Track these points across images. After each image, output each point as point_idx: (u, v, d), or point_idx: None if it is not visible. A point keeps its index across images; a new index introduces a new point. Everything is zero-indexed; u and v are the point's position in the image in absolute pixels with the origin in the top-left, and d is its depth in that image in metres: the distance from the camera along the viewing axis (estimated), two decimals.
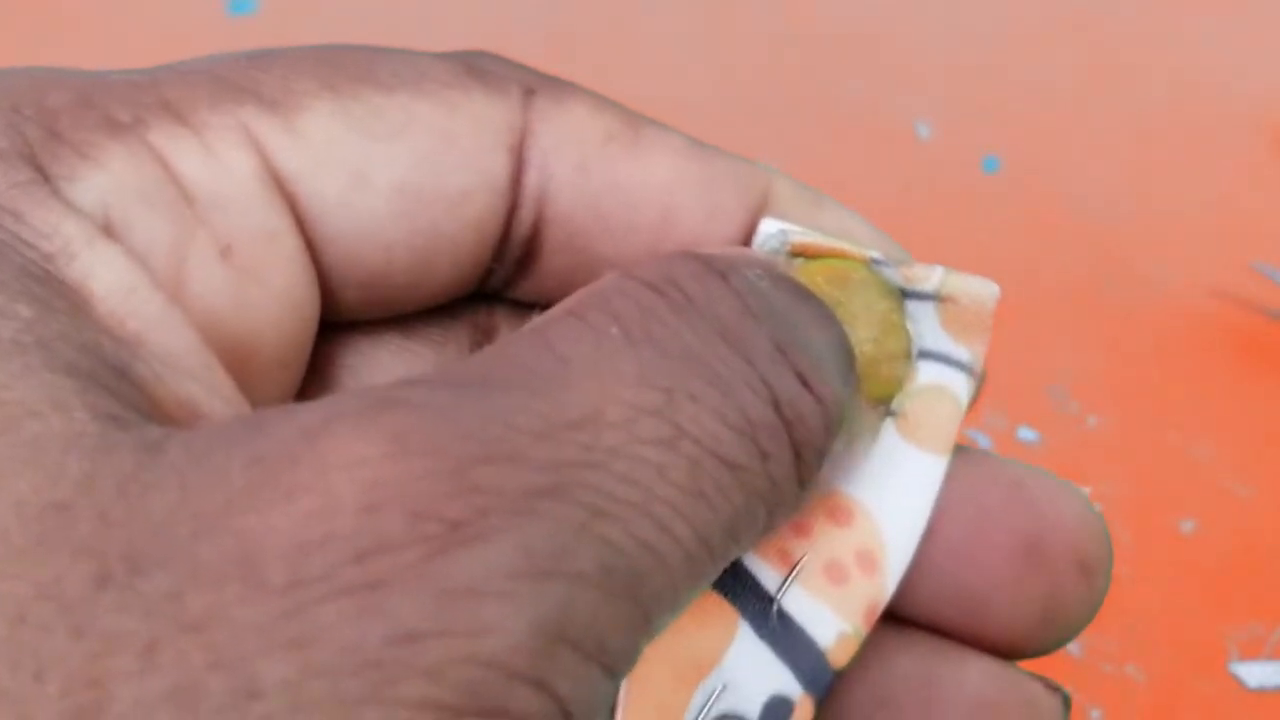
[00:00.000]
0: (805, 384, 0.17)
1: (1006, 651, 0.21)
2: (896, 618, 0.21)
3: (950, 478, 0.21)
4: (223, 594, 0.13)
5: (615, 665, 0.15)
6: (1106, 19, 0.57)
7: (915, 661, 0.21)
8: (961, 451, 0.21)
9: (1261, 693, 0.38)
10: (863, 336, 0.20)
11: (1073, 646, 0.39)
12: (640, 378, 0.16)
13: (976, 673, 0.21)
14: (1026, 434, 0.44)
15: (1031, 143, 0.52)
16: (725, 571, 0.19)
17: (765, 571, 0.20)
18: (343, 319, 0.21)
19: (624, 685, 0.19)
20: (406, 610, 0.14)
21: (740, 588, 0.20)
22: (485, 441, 0.15)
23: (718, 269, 0.18)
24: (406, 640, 0.14)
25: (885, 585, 0.20)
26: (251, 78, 0.19)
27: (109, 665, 0.13)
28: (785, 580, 0.20)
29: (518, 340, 0.17)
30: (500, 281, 0.22)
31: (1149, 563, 0.41)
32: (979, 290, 0.21)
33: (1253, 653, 0.39)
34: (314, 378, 0.22)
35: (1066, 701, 0.21)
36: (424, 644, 0.14)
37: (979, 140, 0.52)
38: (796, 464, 0.17)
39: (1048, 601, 0.20)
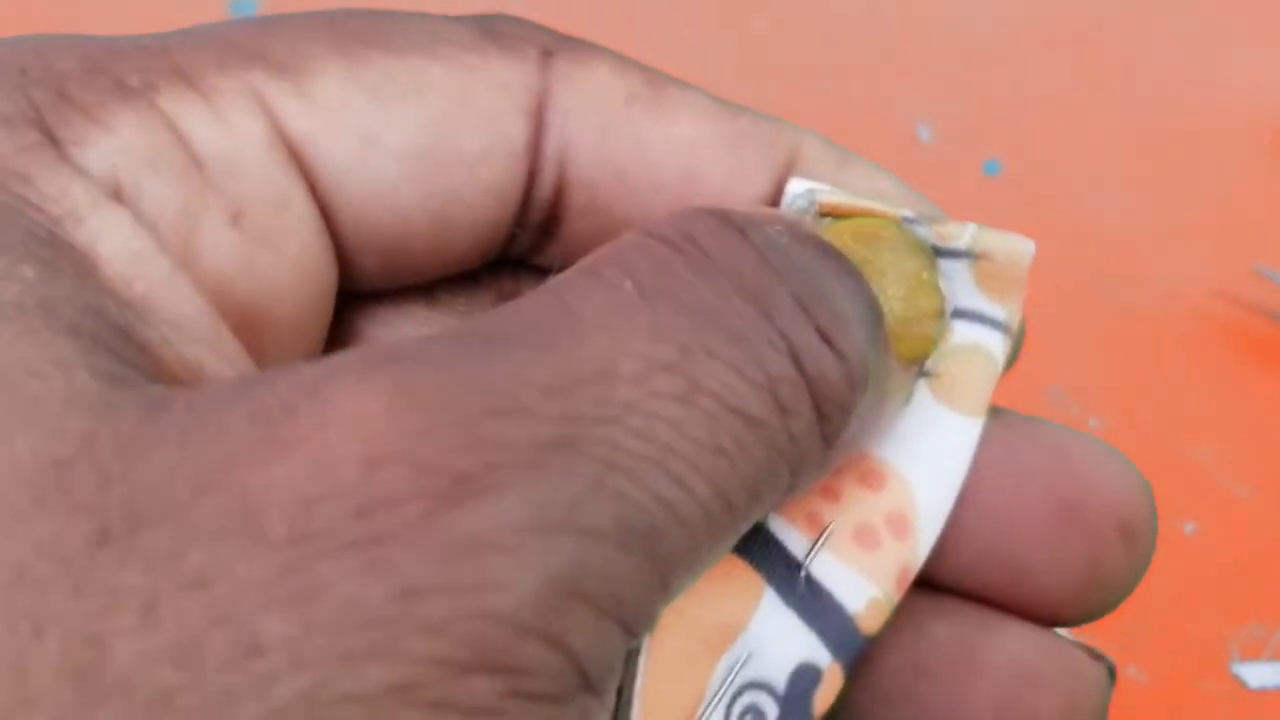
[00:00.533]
0: (827, 340, 0.17)
1: (1047, 619, 0.20)
2: (933, 585, 0.20)
3: (986, 440, 0.20)
4: (224, 549, 0.13)
5: (632, 624, 0.15)
6: (1107, 23, 0.57)
7: (952, 628, 0.20)
8: (998, 413, 0.21)
9: (1263, 693, 0.38)
10: (892, 295, 0.19)
11: None
12: (655, 332, 0.16)
13: (1015, 639, 0.20)
14: None
15: (1032, 145, 0.52)
16: (750, 536, 0.19)
17: (792, 536, 0.20)
18: (364, 288, 0.21)
19: (644, 651, 0.19)
20: (410, 565, 0.13)
21: (765, 553, 0.20)
22: (493, 394, 0.15)
23: (736, 224, 0.18)
24: (410, 595, 0.13)
25: (918, 549, 0.20)
26: (260, 43, 0.19)
27: (109, 623, 0.13)
28: (814, 545, 0.20)
29: (530, 298, 0.16)
30: (525, 247, 0.21)
31: (1150, 564, 0.40)
32: (1014, 246, 0.20)
33: (1254, 653, 0.39)
34: (336, 347, 0.21)
35: (1111, 671, 0.21)
36: (428, 599, 0.13)
37: (980, 143, 0.52)
38: (820, 421, 0.17)
39: (1088, 566, 0.20)
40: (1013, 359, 0.21)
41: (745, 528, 0.17)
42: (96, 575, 0.13)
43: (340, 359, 0.15)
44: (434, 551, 0.14)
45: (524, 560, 0.14)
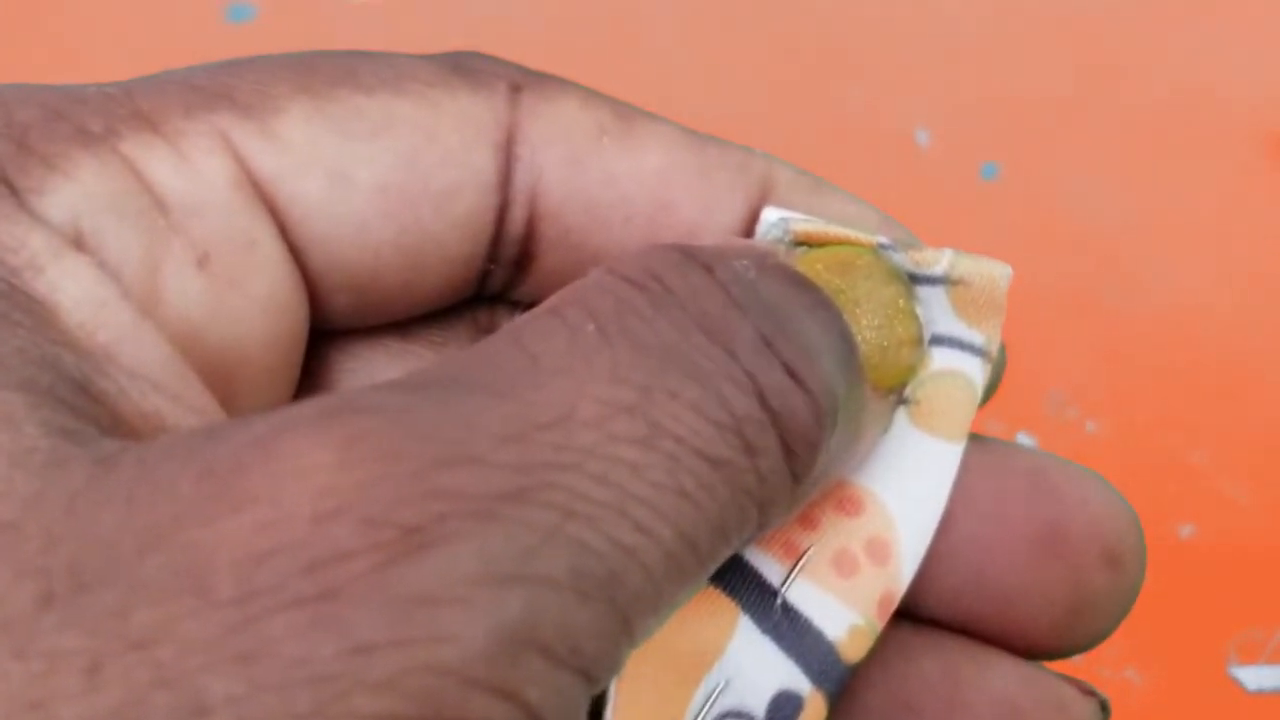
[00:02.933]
0: (793, 375, 0.17)
1: (1033, 651, 0.20)
2: (918, 618, 0.20)
3: (967, 466, 0.20)
4: (169, 609, 0.13)
5: (593, 671, 0.15)
6: (1105, 27, 0.57)
7: (938, 662, 0.20)
8: (978, 440, 0.20)
9: (1260, 695, 0.38)
10: (866, 324, 0.19)
11: None
12: (614, 374, 0.16)
13: (1002, 674, 0.20)
14: (1025, 440, 0.44)
15: (1030, 149, 0.52)
16: (725, 565, 0.19)
17: (769, 565, 0.20)
18: (338, 326, 0.21)
19: (614, 683, 0.19)
20: (359, 620, 0.13)
21: (740, 581, 0.20)
22: (446, 444, 0.14)
23: (701, 260, 0.17)
24: (359, 652, 0.13)
25: (900, 574, 0.20)
26: (226, 84, 0.19)
27: (52, 686, 0.13)
28: (790, 572, 0.20)
29: (491, 341, 0.16)
30: (500, 283, 0.21)
31: (1148, 567, 0.41)
32: (990, 271, 0.20)
33: (1252, 656, 0.39)
34: (311, 384, 0.21)
35: (1104, 706, 0.20)
36: (377, 655, 0.13)
37: (978, 147, 0.52)
38: (788, 458, 0.17)
39: (1072, 595, 0.20)
40: (995, 384, 0.21)
41: (715, 567, 0.17)
42: (40, 638, 0.13)
43: (292, 411, 0.15)
44: (383, 606, 0.13)
45: (474, 613, 0.14)
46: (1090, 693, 0.20)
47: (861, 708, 0.20)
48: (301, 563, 0.13)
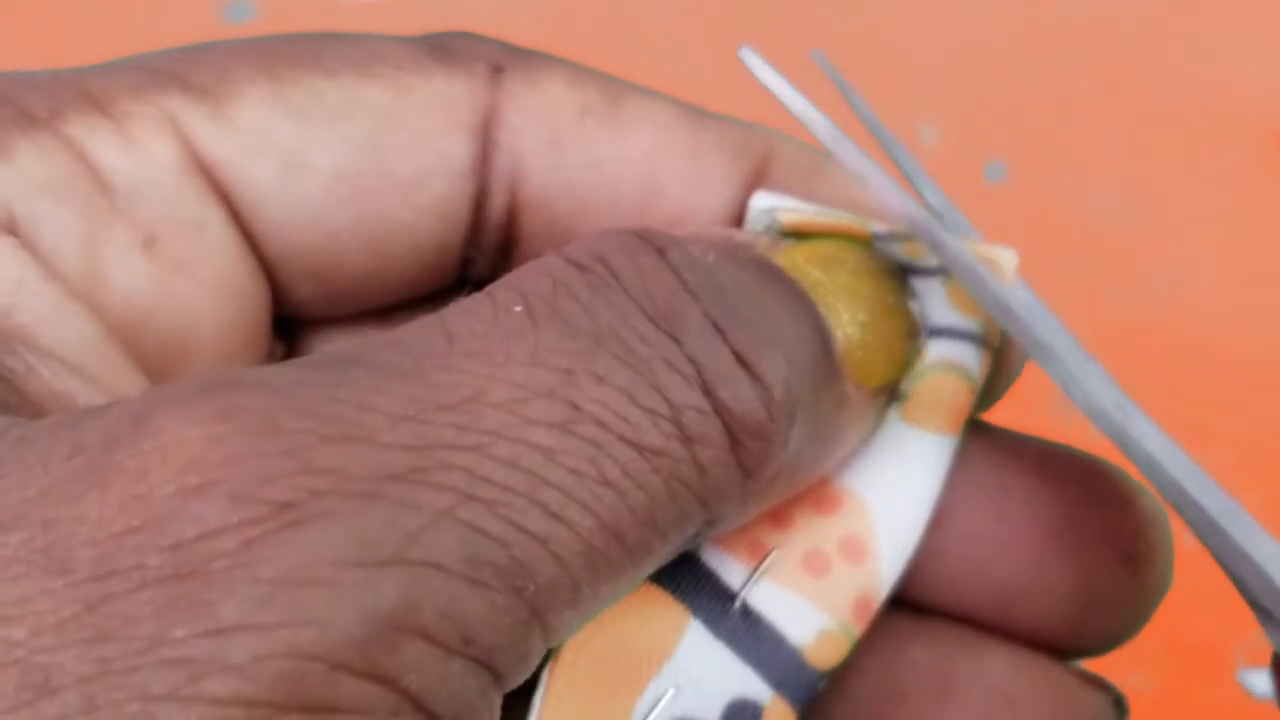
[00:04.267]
0: (744, 363, 0.16)
1: (1048, 648, 0.19)
2: (918, 607, 0.19)
3: (969, 458, 0.19)
4: (27, 587, 0.13)
5: (495, 662, 0.14)
6: (1111, 27, 0.57)
7: (931, 650, 0.19)
8: (986, 429, 0.19)
9: (1268, 702, 0.38)
10: (848, 319, 0.18)
11: None
12: (534, 356, 0.15)
13: (998, 662, 0.19)
14: None
15: (1036, 150, 0.52)
16: (678, 568, 0.18)
17: (731, 566, 0.19)
18: (308, 314, 0.20)
19: (541, 686, 0.18)
20: (220, 601, 0.13)
21: (692, 584, 0.19)
22: (332, 421, 0.14)
23: (655, 244, 0.17)
24: (216, 634, 0.13)
25: (878, 575, 0.18)
26: (182, 67, 0.19)
27: None
28: (751, 574, 0.18)
29: (417, 322, 0.16)
30: (484, 270, 0.21)
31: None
32: (990, 257, 0.19)
33: (1260, 661, 0.38)
34: None
35: (1119, 701, 0.19)
36: (236, 637, 0.13)
37: (983, 147, 0.52)
38: (735, 450, 0.16)
39: (1085, 594, 0.19)
40: (1016, 372, 0.20)
41: (653, 562, 0.16)
42: None
43: (173, 386, 0.14)
44: (246, 586, 0.13)
45: (343, 595, 0.13)
46: (1099, 685, 0.19)
47: (850, 695, 0.19)
48: (164, 540, 0.13)
